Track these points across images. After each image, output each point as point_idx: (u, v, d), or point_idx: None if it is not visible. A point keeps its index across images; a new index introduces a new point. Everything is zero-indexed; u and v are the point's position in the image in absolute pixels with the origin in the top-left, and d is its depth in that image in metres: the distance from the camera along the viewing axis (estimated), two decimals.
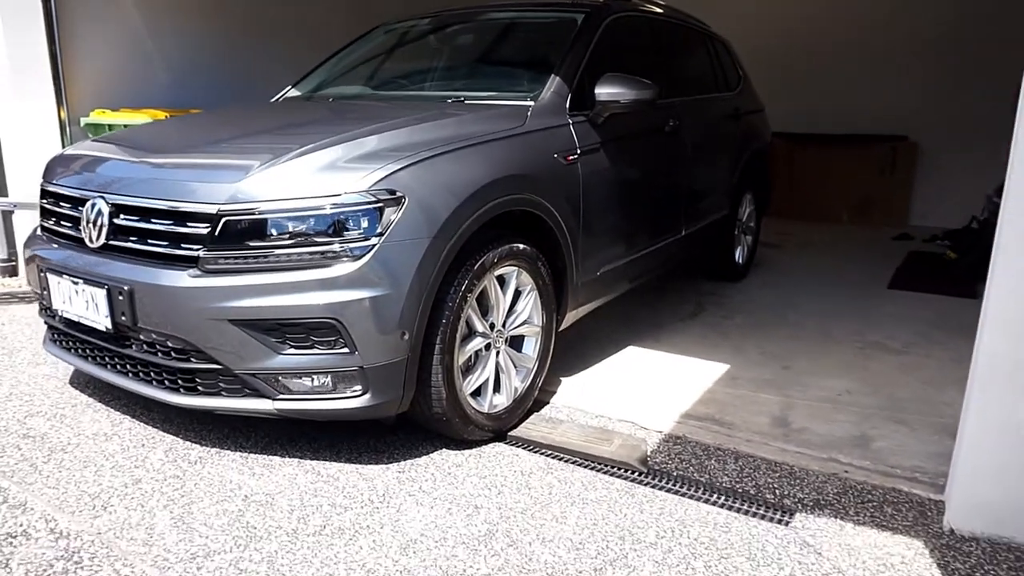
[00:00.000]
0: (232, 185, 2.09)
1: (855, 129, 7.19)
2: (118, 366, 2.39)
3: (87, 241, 2.34)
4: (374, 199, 2.08)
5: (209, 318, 2.06)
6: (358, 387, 2.13)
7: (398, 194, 2.12)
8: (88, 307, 2.29)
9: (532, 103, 2.81)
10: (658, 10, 3.97)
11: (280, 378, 2.13)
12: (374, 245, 2.07)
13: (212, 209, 2.08)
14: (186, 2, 5.49)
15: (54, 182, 2.60)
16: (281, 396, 2.14)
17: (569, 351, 3.43)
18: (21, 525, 1.89)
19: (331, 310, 2.03)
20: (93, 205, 2.33)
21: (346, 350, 2.08)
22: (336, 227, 2.06)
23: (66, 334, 2.56)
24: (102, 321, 2.25)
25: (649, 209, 3.50)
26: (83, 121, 4.67)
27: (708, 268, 4.85)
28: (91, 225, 2.33)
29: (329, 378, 2.13)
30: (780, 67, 7.19)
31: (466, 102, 2.89)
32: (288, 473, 2.21)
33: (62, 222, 2.51)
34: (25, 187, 4.52)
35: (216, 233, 2.07)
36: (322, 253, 2.05)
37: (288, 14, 6.22)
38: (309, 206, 2.05)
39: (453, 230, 2.22)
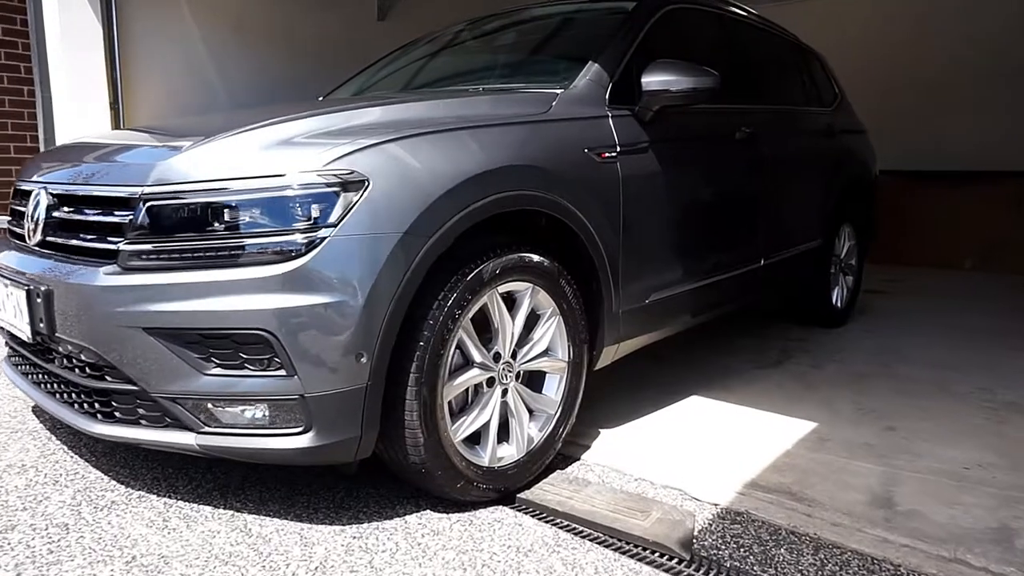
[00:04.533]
0: (159, 164, 1.71)
1: (980, 165, 6.28)
2: (45, 384, 2.03)
3: (27, 237, 2.03)
4: (328, 181, 1.64)
5: (122, 325, 1.66)
6: (299, 422, 1.66)
7: (360, 177, 1.67)
8: (15, 312, 1.95)
9: (561, 90, 2.33)
10: (733, 9, 3.44)
11: (209, 405, 1.68)
12: (324, 238, 1.62)
13: (134, 192, 1.70)
14: (248, 26, 5.44)
15: (21, 179, 2.33)
16: (206, 429, 1.69)
17: (616, 396, 2.85)
18: None
19: (262, 319, 1.58)
20: (35, 197, 2.02)
21: (283, 372, 1.62)
22: (277, 214, 1.63)
23: (10, 347, 2.24)
24: (24, 328, 1.90)
25: (715, 228, 2.91)
26: None
27: (798, 310, 4.15)
28: (31, 220, 2.01)
29: (266, 408, 1.67)
30: (889, 96, 6.43)
31: (483, 89, 2.45)
32: (210, 529, 1.74)
33: (15, 220, 2.22)
34: None
35: (138, 222, 1.68)
36: (257, 247, 1.61)
37: (354, 40, 6.11)
38: (245, 188, 1.64)
39: (434, 226, 1.74)
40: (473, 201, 1.83)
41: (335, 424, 1.66)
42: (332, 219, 1.63)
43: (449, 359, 1.85)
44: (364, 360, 1.66)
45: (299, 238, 1.61)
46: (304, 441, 1.65)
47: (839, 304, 4.17)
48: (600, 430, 2.55)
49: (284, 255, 1.60)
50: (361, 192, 1.66)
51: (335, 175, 1.65)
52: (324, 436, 1.66)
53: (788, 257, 3.47)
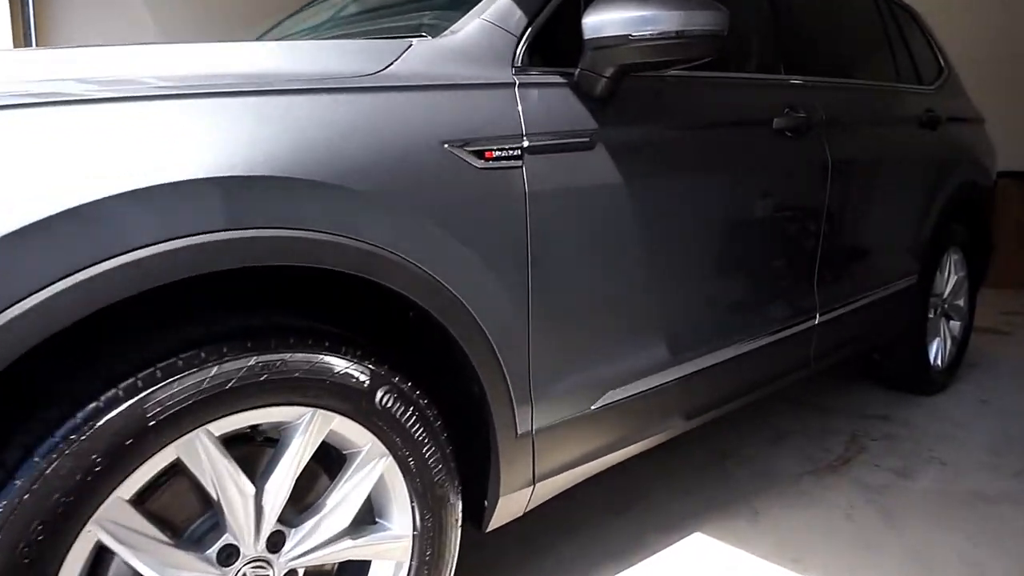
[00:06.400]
0: None
1: None
2: None
3: None
4: None
5: None
6: None
7: None
8: None
9: (423, 37, 1.30)
10: None
11: None
12: None
13: None
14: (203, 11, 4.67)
15: None
16: None
17: (561, 537, 1.80)
18: None
19: None
20: None
21: None
22: None
23: None
24: None
25: (729, 272, 1.80)
26: None
27: (879, 369, 2.94)
28: None
29: None
30: (1009, 75, 5.05)
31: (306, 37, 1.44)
32: None
33: None
34: None
35: None
36: None
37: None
38: None
39: None
40: (99, 258, 0.82)
41: None
42: None
43: None
44: None
45: None
46: None
47: (939, 363, 2.94)
48: None
49: None
50: None
51: None
52: None
53: (862, 306, 2.30)
